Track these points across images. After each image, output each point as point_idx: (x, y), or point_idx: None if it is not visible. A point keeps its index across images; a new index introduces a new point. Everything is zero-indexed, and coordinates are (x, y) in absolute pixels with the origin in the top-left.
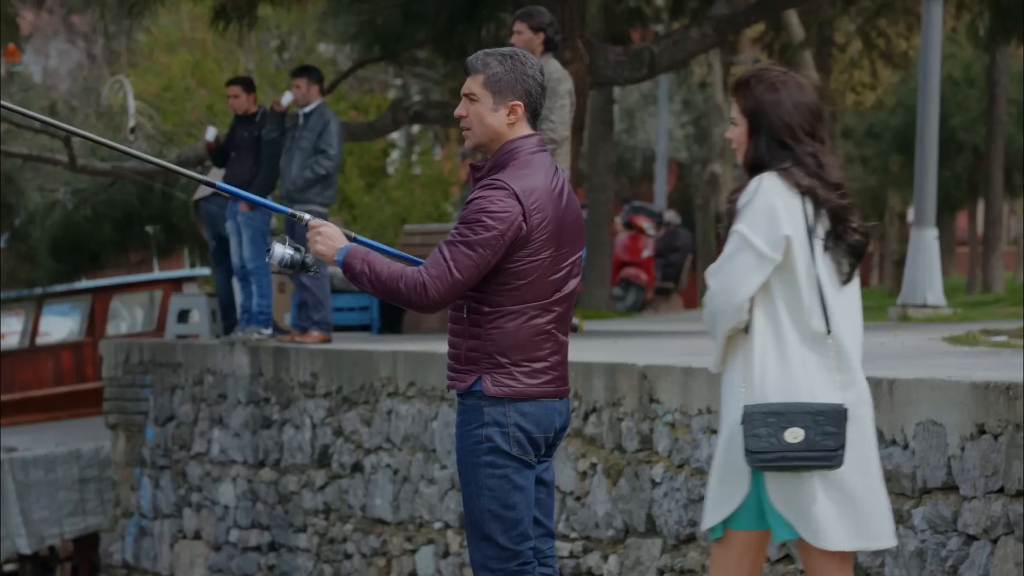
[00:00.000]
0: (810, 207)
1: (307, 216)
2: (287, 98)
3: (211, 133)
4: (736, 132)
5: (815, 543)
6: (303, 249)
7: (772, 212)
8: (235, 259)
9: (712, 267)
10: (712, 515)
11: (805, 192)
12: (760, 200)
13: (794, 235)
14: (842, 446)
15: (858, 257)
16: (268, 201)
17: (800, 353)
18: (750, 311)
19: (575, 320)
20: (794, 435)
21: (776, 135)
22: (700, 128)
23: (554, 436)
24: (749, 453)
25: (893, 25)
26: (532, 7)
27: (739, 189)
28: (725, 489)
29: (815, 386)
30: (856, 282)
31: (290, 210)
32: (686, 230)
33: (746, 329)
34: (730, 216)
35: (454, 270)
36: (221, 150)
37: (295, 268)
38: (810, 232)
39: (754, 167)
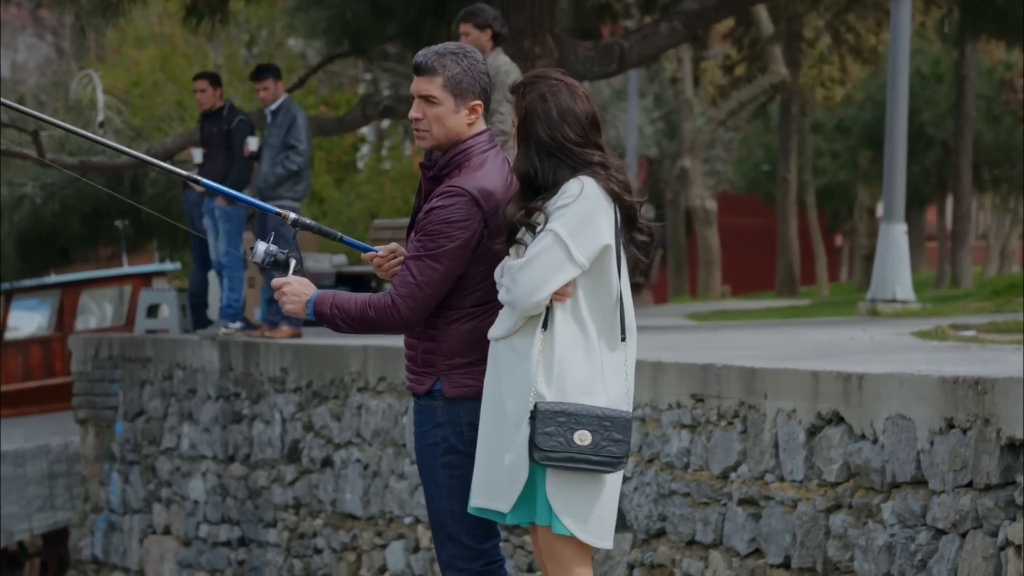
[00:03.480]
0: (618, 212)
1: (292, 215)
2: (251, 140)
3: (198, 155)
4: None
5: (592, 541)
6: (286, 251)
7: (592, 219)
8: (212, 254)
9: (519, 261)
10: (508, 500)
11: (615, 197)
12: (581, 206)
13: (611, 244)
14: (627, 453)
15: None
16: (250, 198)
17: (601, 357)
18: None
19: None
20: (582, 437)
21: (544, 146)
22: (670, 123)
23: None
24: (538, 450)
25: (862, 20)
26: (473, 6)
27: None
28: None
29: (611, 392)
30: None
31: (274, 208)
32: (656, 225)
33: (545, 325)
34: (528, 215)
35: (423, 285)
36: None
37: (276, 267)
38: (618, 238)
39: (526, 176)
